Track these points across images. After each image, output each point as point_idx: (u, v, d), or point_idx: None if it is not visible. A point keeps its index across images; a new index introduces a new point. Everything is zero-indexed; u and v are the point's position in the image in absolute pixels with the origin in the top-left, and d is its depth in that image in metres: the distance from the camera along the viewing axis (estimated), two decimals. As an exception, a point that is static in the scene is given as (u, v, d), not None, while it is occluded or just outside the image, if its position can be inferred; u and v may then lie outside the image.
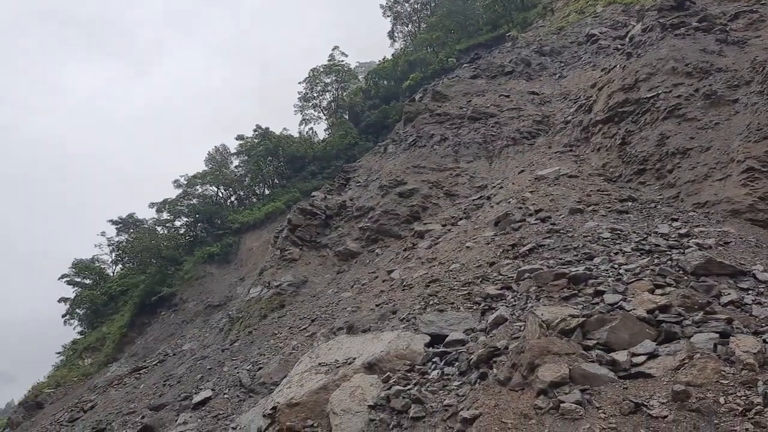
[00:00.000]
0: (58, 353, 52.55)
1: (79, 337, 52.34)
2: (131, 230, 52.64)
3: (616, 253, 12.38)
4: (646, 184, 17.67)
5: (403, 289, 15.65)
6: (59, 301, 53.25)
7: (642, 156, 18.06)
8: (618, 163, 19.24)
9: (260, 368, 17.03)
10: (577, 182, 18.68)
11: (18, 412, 45.53)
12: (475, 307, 12.48)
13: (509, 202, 18.71)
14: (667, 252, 12.02)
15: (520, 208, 17.55)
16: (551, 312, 9.51)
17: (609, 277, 10.98)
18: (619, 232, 13.73)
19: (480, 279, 13.80)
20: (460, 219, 20.58)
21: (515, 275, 12.80)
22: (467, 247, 16.70)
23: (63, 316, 52.80)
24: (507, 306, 11.54)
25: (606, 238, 13.46)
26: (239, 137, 53.02)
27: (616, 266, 11.53)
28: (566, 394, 7.63)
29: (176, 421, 16.67)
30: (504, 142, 25.88)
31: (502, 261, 14.42)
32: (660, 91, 18.86)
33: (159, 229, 49.93)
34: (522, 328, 9.88)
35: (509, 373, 8.56)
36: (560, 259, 12.77)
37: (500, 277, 13.56)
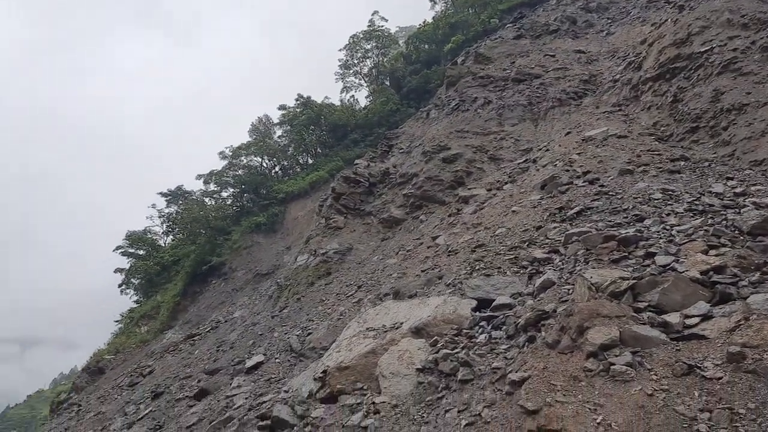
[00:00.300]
0: (116, 321, 54.88)
1: (135, 305, 54.48)
2: (180, 202, 53.98)
3: (667, 215, 12.05)
4: (699, 142, 17.06)
5: (449, 255, 15.64)
6: (115, 271, 55.35)
7: (695, 113, 17.40)
8: (669, 122, 18.60)
9: (309, 334, 17.38)
10: (627, 142, 18.17)
11: (81, 377, 47.87)
12: (521, 272, 12.39)
13: (556, 164, 18.37)
14: (722, 212, 11.63)
15: (567, 170, 17.22)
16: (600, 275, 9.38)
17: (660, 238, 10.72)
18: (670, 192, 13.34)
19: (526, 243, 13.67)
20: (506, 183, 20.35)
21: (563, 239, 12.62)
22: (513, 211, 16.53)
23: (119, 286, 54.91)
24: (554, 269, 11.41)
25: (657, 199, 13.11)
26: (281, 107, 53.33)
27: (667, 227, 11.23)
28: (617, 356, 7.55)
29: (231, 384, 17.24)
30: (549, 103, 25.30)
31: (549, 224, 14.23)
32: (714, 45, 18.05)
33: (207, 200, 51.05)
34: (570, 292, 9.78)
35: (558, 336, 8.51)
36: (609, 221, 12.52)
37: (547, 240, 13.39)
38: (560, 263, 11.69)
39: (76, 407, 36.30)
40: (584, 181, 15.96)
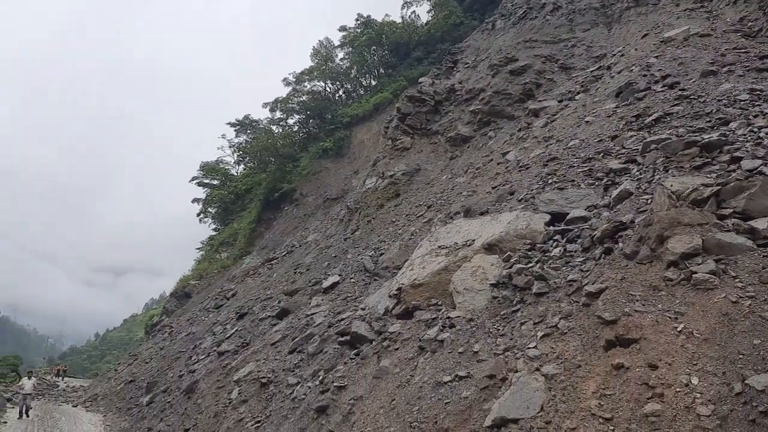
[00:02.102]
0: (197, 249, 57.77)
1: (213, 233, 57.01)
2: (248, 131, 54.94)
3: (755, 116, 11.27)
4: (792, 36, 15.66)
5: (520, 170, 15.35)
6: (192, 201, 57.74)
7: (788, 4, 15.90)
8: (758, 16, 17.10)
9: (382, 254, 17.73)
10: (710, 41, 16.91)
11: (170, 301, 51.22)
12: (597, 183, 12.03)
13: (632, 70, 17.40)
14: (817, 110, 10.79)
15: (645, 75, 16.27)
16: (681, 182, 8.98)
17: (747, 141, 10.09)
18: (758, 92, 12.41)
19: (601, 154, 13.19)
20: (578, 93, 19.50)
21: (640, 147, 12.09)
22: (586, 122, 15.90)
23: (197, 215, 57.37)
24: (632, 180, 11.01)
25: (743, 101, 12.24)
26: (342, 29, 52.36)
27: (755, 130, 10.52)
28: (699, 264, 7.33)
29: (309, 303, 17.99)
30: (624, 4, 23.71)
31: (626, 133, 13.62)
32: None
33: (274, 128, 51.68)
34: (649, 202, 9.45)
35: (636, 247, 8.31)
36: (691, 126, 11.85)
37: (624, 150, 12.86)
38: (638, 173, 11.26)
39: (168, 329, 39.04)
40: (663, 86, 15.06)
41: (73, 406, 30.41)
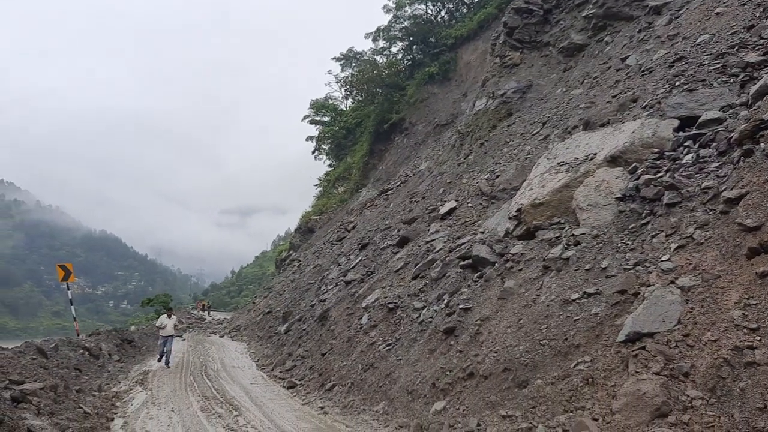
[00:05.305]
0: (315, 185, 59.85)
1: (329, 169, 58.63)
2: (353, 64, 54.96)
3: None
4: None
5: (642, 75, 14.29)
6: (306, 140, 59.42)
7: None
8: None
9: (498, 176, 17.45)
10: None
11: (296, 237, 53.94)
12: (731, 81, 10.97)
13: (769, -53, 15.35)
14: None
15: (786, -48, 14.34)
16: (836, 69, 7.99)
17: None
18: None
19: (736, 47, 11.93)
20: (705, -18, 17.58)
21: (783, 35, 10.83)
22: (717, 13, 14.37)
23: (312, 152, 59.07)
24: (773, 72, 9.94)
25: None
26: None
27: None
28: None
29: (428, 230, 18.23)
30: None
31: (764, 22, 12.18)
32: None
33: (378, 58, 51.25)
34: (795, 95, 8.53)
35: (781, 146, 7.59)
36: None
37: (762, 41, 11.53)
38: (780, 64, 10.14)
39: (297, 262, 41.31)
40: (809, -38, 13.22)
41: (219, 337, 33.42)
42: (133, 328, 35.26)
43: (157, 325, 20.98)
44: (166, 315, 20.58)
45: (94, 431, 10.16)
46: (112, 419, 11.69)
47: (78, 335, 20.90)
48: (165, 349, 19.53)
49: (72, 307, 22.94)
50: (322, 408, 12.77)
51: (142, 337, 27.33)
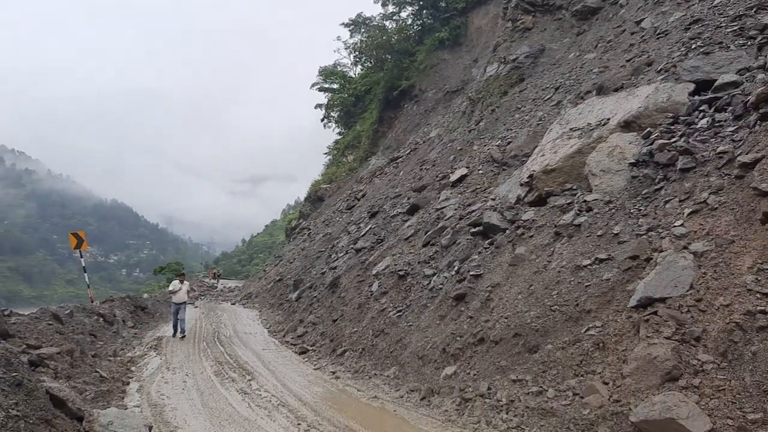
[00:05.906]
0: (325, 153, 59.63)
1: (338, 137, 58.32)
2: (362, 30, 54.16)
3: None
4: None
5: (657, 38, 14.00)
6: (315, 107, 58.93)
7: None
8: None
9: (509, 143, 17.31)
10: None
11: (305, 205, 54.01)
12: (749, 43, 10.73)
13: None
14: None
15: None
16: None
17: None
18: None
19: (754, 9, 11.64)
20: (723, -58, 17.08)
21: (804, -5, 10.55)
22: (735, -26, 14.01)
23: (321, 120, 58.67)
24: (793, 34, 9.71)
25: None
26: None
27: None
28: None
29: (439, 198, 18.18)
30: None
31: (785, -18, 11.88)
32: None
33: (387, 23, 50.48)
34: (816, 57, 8.34)
35: (800, 110, 7.46)
36: None
37: (782, 1, 11.29)
38: (801, 26, 9.90)
39: (307, 231, 41.45)
40: None
41: (231, 304, 33.77)
42: (146, 295, 35.71)
43: (169, 290, 20.20)
44: (178, 280, 19.61)
45: (111, 394, 10.36)
46: (128, 383, 11.91)
47: (92, 302, 21.17)
48: (178, 317, 18.65)
49: (85, 274, 23.20)
50: (333, 373, 12.95)
51: (155, 304, 27.65)
